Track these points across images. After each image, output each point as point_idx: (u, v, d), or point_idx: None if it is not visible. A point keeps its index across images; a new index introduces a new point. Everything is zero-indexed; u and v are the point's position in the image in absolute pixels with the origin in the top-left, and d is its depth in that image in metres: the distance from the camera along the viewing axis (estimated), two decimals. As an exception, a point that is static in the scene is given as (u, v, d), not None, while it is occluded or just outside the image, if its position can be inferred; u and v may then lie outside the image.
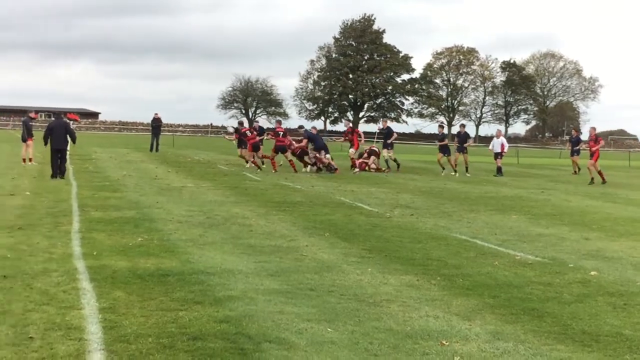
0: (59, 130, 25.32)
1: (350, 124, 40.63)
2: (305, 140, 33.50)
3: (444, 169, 35.46)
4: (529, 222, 17.08)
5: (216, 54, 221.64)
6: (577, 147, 39.38)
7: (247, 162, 34.17)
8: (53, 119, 29.56)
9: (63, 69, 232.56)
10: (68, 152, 27.55)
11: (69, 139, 25.83)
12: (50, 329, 7.21)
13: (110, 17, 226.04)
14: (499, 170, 35.55)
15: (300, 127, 37.88)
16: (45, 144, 25.50)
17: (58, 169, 24.82)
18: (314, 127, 35.26)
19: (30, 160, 31.09)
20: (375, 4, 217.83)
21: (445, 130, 39.02)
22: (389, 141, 36.06)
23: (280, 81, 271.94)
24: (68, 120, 28.60)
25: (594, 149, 31.65)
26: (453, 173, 34.44)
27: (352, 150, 35.67)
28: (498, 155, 35.99)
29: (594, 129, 33.95)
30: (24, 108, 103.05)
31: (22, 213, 15.48)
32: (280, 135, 32.80)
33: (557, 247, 13.53)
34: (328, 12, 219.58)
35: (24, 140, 31.19)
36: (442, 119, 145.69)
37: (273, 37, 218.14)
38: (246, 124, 35.47)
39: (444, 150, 35.93)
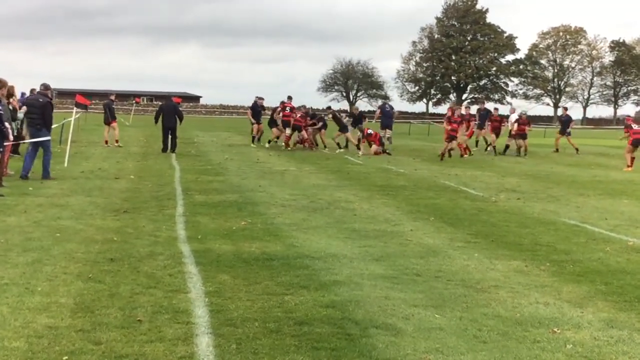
0: (168, 111, 29.52)
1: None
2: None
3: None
4: (641, 207, 16.57)
5: (323, 35, 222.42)
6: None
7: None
8: (161, 102, 33.47)
9: (171, 53, 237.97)
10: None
11: (177, 119, 29.62)
12: (158, 312, 7.28)
13: (223, 0, 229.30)
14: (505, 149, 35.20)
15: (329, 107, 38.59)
16: (156, 122, 30.15)
17: (169, 144, 29.25)
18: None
19: (116, 142, 31.99)
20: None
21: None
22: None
23: (384, 63, 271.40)
24: (176, 104, 31.06)
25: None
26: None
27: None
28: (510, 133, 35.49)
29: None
30: (129, 92, 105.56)
31: (128, 197, 15.76)
32: (287, 110, 33.43)
33: (672, 233, 13.10)
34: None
35: (107, 122, 32.31)
36: (547, 100, 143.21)
37: (382, 18, 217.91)
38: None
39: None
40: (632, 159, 28.43)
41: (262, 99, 36.81)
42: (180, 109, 31.09)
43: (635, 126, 28.66)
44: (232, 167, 23.83)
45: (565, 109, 40.84)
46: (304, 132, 34.16)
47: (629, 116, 35.41)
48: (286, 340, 6.58)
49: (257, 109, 36.59)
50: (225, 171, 22.27)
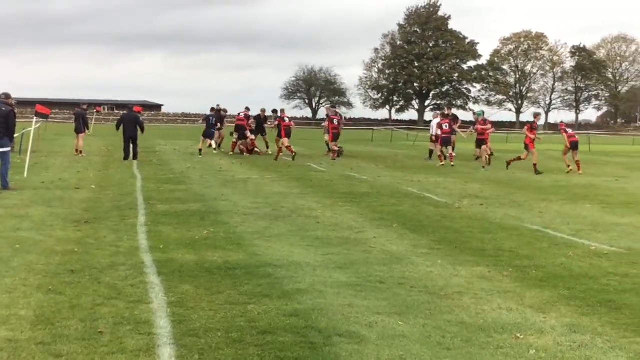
0: (129, 120, 30.39)
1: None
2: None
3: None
4: (603, 212, 16.78)
5: (289, 44, 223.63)
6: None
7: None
8: (124, 112, 33.49)
9: (135, 61, 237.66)
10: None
11: (138, 128, 30.47)
12: (119, 324, 7.22)
13: (190, 8, 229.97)
14: (430, 154, 35.47)
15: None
16: (117, 129, 31.05)
17: (130, 152, 29.80)
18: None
19: (80, 152, 32.14)
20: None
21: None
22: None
23: (348, 70, 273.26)
24: (137, 114, 31.91)
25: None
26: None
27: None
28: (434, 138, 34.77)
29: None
30: (91, 101, 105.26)
31: (89, 207, 15.63)
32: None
33: (634, 237, 13.29)
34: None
35: (78, 132, 32.62)
36: (510, 105, 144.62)
37: (346, 26, 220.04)
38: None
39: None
40: (578, 162, 28.99)
41: (220, 106, 38.37)
42: (142, 118, 31.60)
43: (569, 130, 29.97)
44: (195, 176, 23.73)
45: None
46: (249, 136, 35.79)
47: (562, 122, 35.91)
48: (249, 350, 6.55)
49: (220, 117, 37.51)
50: (187, 180, 22.19)
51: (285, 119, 33.74)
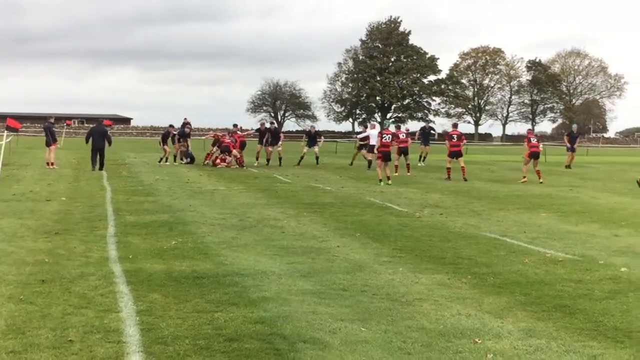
0: (97, 133, 31.97)
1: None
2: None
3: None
4: (558, 220, 17.07)
5: (258, 59, 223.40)
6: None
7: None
8: (92, 125, 35.88)
9: (107, 76, 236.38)
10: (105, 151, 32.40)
11: (106, 141, 32.13)
12: (89, 332, 7.30)
13: (162, 25, 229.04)
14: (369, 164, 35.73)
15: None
16: (87, 142, 32.54)
17: (97, 163, 31.47)
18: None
19: (51, 164, 32.36)
20: (416, 6, 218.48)
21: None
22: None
23: (313, 85, 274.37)
24: (106, 127, 33.40)
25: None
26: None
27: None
28: (372, 149, 34.28)
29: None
30: (62, 115, 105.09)
31: (59, 218, 15.67)
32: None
33: (587, 244, 13.54)
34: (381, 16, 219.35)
35: (48, 144, 32.85)
36: (468, 118, 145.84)
37: (314, 42, 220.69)
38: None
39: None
40: (538, 171, 29.55)
41: (173, 126, 40.42)
42: (111, 131, 32.25)
43: (533, 140, 30.44)
44: (163, 187, 23.79)
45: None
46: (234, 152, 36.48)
47: (530, 130, 36.38)
48: (216, 357, 6.66)
49: (167, 135, 39.26)
50: (156, 192, 22.25)
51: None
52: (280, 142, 38.75)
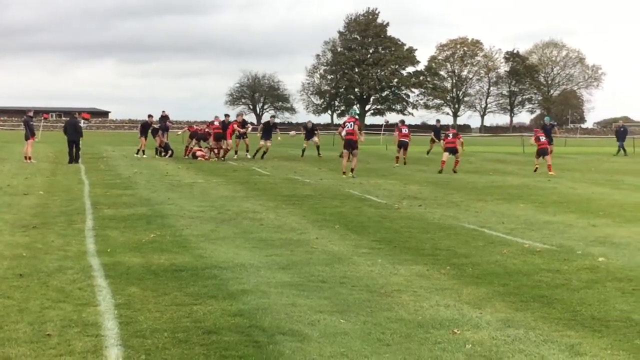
0: (71, 126, 33.01)
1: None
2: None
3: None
4: (536, 211, 17.14)
5: (237, 51, 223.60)
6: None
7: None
8: (68, 118, 36.34)
9: (87, 69, 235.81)
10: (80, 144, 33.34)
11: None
12: (68, 326, 7.28)
13: (145, 17, 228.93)
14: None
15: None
16: (65, 134, 33.17)
17: (73, 155, 32.11)
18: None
19: (28, 158, 32.34)
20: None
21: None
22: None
23: (293, 77, 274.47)
24: (80, 119, 34.47)
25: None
26: None
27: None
28: None
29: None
30: (40, 109, 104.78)
31: (37, 212, 15.62)
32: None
33: (565, 235, 13.61)
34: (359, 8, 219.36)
35: (27, 138, 32.98)
36: (447, 109, 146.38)
37: (292, 33, 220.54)
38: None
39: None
40: (549, 166, 30.21)
41: (152, 116, 39.76)
42: (89, 124, 33.04)
43: (542, 138, 31.57)
44: (141, 180, 23.73)
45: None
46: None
47: (537, 129, 36.84)
48: (195, 350, 6.65)
49: (147, 126, 39.01)
50: (134, 185, 22.20)
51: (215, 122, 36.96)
52: (316, 137, 41.16)
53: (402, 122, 39.15)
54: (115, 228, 13.56)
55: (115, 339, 6.92)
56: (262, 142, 38.55)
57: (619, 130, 51.95)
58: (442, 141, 34.75)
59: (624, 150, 48.87)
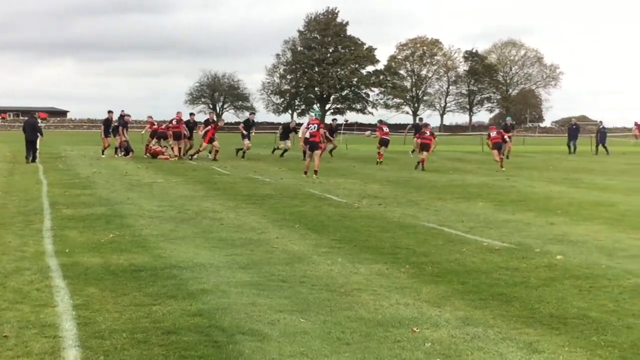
0: (29, 125, 33.02)
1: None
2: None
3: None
4: (495, 209, 17.28)
5: (197, 50, 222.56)
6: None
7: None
8: (26, 117, 36.41)
9: (47, 68, 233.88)
10: (38, 143, 33.30)
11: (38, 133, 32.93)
12: (25, 327, 7.23)
13: (104, 16, 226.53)
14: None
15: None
16: (25, 134, 32.99)
17: (30, 155, 32.09)
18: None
19: None
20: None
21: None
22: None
23: (253, 76, 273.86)
24: (38, 119, 34.69)
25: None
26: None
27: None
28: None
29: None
30: (1, 108, 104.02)
31: (-7, 212, 15.43)
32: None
33: (523, 233, 13.72)
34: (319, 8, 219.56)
35: None
36: (407, 108, 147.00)
37: (254, 33, 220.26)
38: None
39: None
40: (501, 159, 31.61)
41: (112, 112, 39.16)
42: (47, 124, 33.00)
43: (493, 133, 33.07)
44: (101, 180, 23.56)
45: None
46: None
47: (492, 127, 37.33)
48: (154, 350, 6.63)
49: (108, 123, 38.83)
50: (93, 184, 22.04)
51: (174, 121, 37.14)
52: (334, 137, 41.40)
53: (381, 121, 41.50)
54: (73, 228, 13.45)
55: (74, 340, 6.88)
56: (282, 144, 40.21)
57: (571, 127, 52.25)
58: (416, 138, 36.36)
59: (598, 149, 49.16)
